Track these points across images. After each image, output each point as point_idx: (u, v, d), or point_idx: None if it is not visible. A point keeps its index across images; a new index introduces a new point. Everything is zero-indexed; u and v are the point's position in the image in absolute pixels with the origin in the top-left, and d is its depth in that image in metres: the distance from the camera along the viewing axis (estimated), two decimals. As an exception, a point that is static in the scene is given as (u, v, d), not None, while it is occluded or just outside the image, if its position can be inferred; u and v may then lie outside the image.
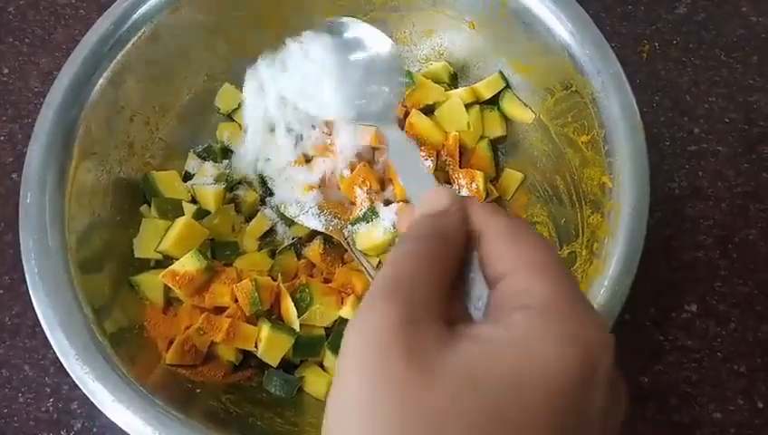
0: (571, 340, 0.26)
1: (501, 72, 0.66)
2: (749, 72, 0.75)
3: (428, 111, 0.66)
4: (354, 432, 0.25)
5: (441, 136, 0.64)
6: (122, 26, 0.61)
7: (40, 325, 0.51)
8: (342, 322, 0.60)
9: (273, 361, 0.59)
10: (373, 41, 0.51)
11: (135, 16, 0.62)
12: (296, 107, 0.60)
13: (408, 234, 0.31)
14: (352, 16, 0.69)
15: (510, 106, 0.67)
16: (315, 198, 0.65)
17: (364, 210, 0.63)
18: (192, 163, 0.68)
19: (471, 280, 0.31)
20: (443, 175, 0.65)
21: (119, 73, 0.61)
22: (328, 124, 0.67)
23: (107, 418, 0.48)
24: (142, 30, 0.62)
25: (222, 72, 0.70)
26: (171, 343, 0.58)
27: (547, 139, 0.64)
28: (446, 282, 0.29)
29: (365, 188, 0.64)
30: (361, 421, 0.24)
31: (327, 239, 0.65)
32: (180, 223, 0.61)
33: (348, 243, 0.63)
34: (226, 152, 0.69)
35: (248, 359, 0.61)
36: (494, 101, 0.67)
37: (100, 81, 0.60)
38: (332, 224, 0.64)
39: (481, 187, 0.62)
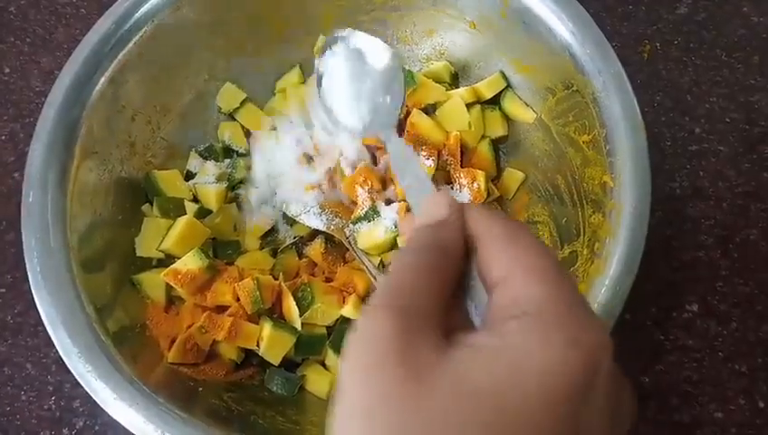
0: (572, 343, 0.26)
1: (502, 72, 0.66)
2: (750, 72, 0.76)
3: (429, 110, 0.67)
4: None
5: (442, 136, 0.65)
6: (123, 26, 0.61)
7: (42, 324, 0.51)
8: (344, 321, 0.60)
9: (275, 359, 0.59)
10: (373, 50, 0.51)
11: (136, 16, 0.62)
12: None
13: (408, 245, 0.31)
14: (353, 16, 0.70)
15: (511, 106, 0.67)
16: (317, 198, 0.65)
17: (365, 209, 0.63)
18: (194, 162, 0.68)
19: (471, 288, 0.31)
20: (444, 175, 0.65)
21: (120, 73, 0.61)
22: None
23: (109, 416, 0.49)
24: (143, 29, 0.62)
25: (223, 71, 0.70)
26: (173, 341, 0.58)
27: (548, 138, 0.64)
28: (445, 293, 0.29)
29: (366, 188, 0.64)
30: (361, 427, 0.25)
31: (328, 238, 0.65)
32: (182, 222, 0.61)
33: (349, 242, 0.63)
34: (228, 151, 0.70)
35: (250, 357, 0.61)
36: (495, 101, 0.67)
37: (102, 80, 0.60)
38: (334, 223, 0.64)
39: (482, 186, 0.62)
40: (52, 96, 0.58)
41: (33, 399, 0.64)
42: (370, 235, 0.62)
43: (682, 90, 0.75)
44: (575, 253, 0.58)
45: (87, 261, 0.55)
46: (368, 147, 0.66)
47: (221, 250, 0.64)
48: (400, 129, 0.65)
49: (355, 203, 0.65)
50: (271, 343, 0.58)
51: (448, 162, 0.65)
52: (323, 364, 0.61)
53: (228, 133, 0.70)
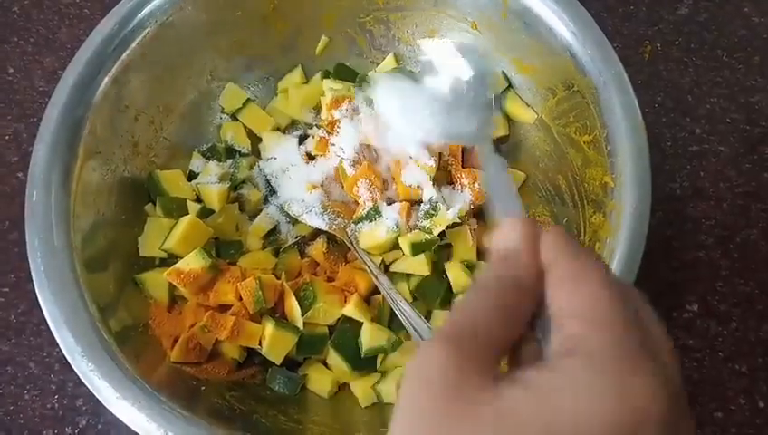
0: (618, 393, 0.25)
1: (503, 73, 0.67)
2: (751, 72, 0.76)
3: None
4: None
5: (444, 136, 0.65)
6: (127, 26, 0.61)
7: (45, 323, 0.52)
8: (345, 320, 0.61)
9: (277, 358, 0.59)
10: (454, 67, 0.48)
11: (139, 16, 0.62)
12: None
13: (481, 279, 0.31)
14: (355, 16, 0.70)
15: (512, 106, 0.67)
16: (319, 197, 0.66)
17: (367, 209, 0.63)
18: (196, 162, 0.69)
19: (541, 321, 0.30)
20: (445, 175, 0.65)
21: (123, 73, 0.61)
22: (329, 123, 0.68)
23: (112, 414, 0.49)
24: (146, 30, 0.62)
25: (226, 71, 0.70)
26: (176, 340, 0.58)
27: (549, 139, 0.64)
28: (513, 329, 0.29)
29: (368, 187, 0.64)
30: None
31: (330, 238, 0.65)
32: (185, 222, 0.61)
33: (351, 242, 0.63)
34: (230, 152, 0.70)
35: (252, 357, 0.61)
36: (496, 102, 0.68)
37: (105, 80, 0.60)
38: (336, 223, 0.64)
39: (483, 187, 0.63)
40: (56, 96, 0.58)
41: (37, 398, 0.64)
42: (372, 234, 0.62)
43: (683, 90, 0.75)
44: (576, 253, 0.58)
45: (90, 260, 0.56)
46: (369, 146, 0.66)
47: (223, 250, 0.64)
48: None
49: (357, 203, 0.65)
50: (273, 342, 0.58)
51: (449, 162, 0.65)
52: (325, 364, 0.61)
53: (231, 133, 0.70)
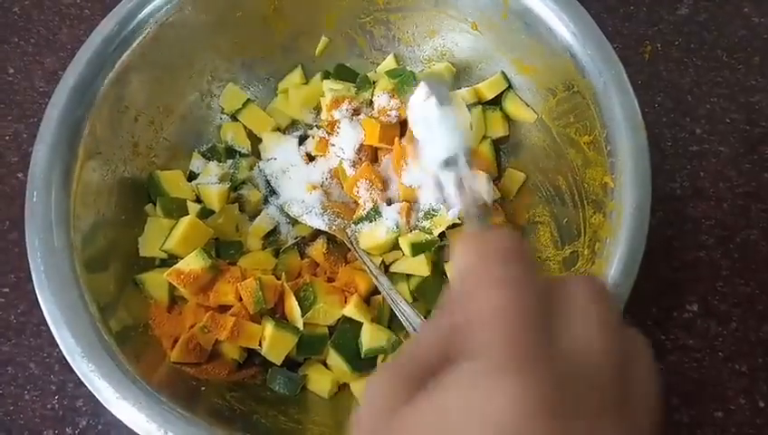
0: (502, 396, 0.27)
1: (503, 73, 0.67)
2: (751, 72, 0.76)
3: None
4: None
5: (444, 136, 0.65)
6: (127, 27, 0.62)
7: (45, 323, 0.52)
8: (345, 320, 0.61)
9: (277, 359, 0.59)
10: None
11: (139, 17, 0.62)
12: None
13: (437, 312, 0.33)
14: (355, 17, 0.70)
15: (512, 106, 0.67)
16: (319, 198, 0.66)
17: (367, 210, 0.63)
18: (196, 163, 0.69)
19: None
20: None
21: (123, 73, 0.61)
22: (329, 124, 0.68)
23: (112, 415, 0.49)
24: (147, 30, 0.62)
25: (226, 72, 0.71)
26: (176, 341, 0.58)
27: (549, 139, 0.64)
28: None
29: (368, 188, 0.64)
30: None
31: (330, 239, 0.65)
32: (185, 222, 0.61)
33: (351, 242, 0.63)
34: (230, 152, 0.70)
35: (252, 357, 0.61)
36: (496, 102, 0.68)
37: (105, 81, 0.60)
38: (336, 223, 0.64)
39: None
40: (56, 97, 0.58)
41: (37, 398, 0.64)
42: (372, 235, 0.62)
43: (683, 90, 0.75)
44: (576, 253, 0.58)
45: (90, 261, 0.56)
46: (369, 147, 0.67)
47: (223, 250, 0.64)
48: (402, 132, 0.66)
49: (357, 203, 0.65)
50: (273, 342, 0.58)
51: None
52: (325, 364, 0.61)
53: (231, 134, 0.70)
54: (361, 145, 0.66)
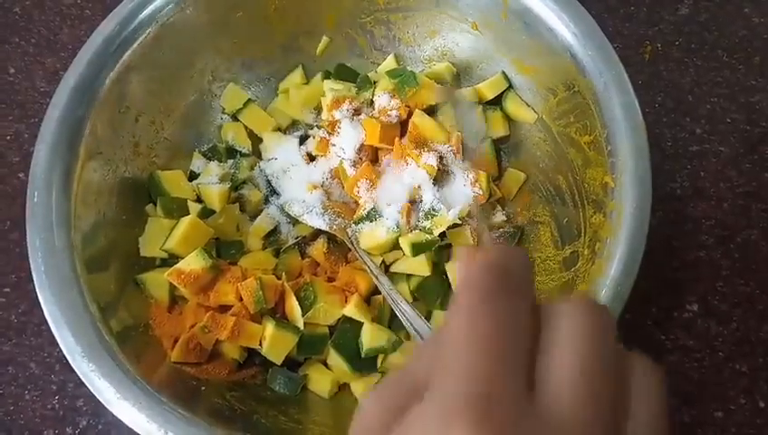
0: None
1: (504, 73, 0.67)
2: (751, 72, 0.76)
3: (432, 111, 0.67)
4: None
5: (444, 136, 0.65)
6: (128, 27, 0.62)
7: (46, 323, 0.52)
8: (346, 320, 0.61)
9: (278, 359, 0.59)
10: None
11: (140, 17, 0.62)
12: None
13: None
14: (356, 17, 0.70)
15: (513, 106, 0.67)
16: (319, 198, 0.66)
17: (368, 210, 0.63)
18: (197, 163, 0.69)
19: None
20: (447, 175, 0.65)
21: (124, 74, 0.62)
22: (330, 124, 0.68)
23: (112, 415, 0.49)
24: (148, 30, 0.62)
25: (226, 72, 0.71)
26: (176, 341, 0.58)
27: (550, 139, 0.64)
28: None
29: (369, 188, 0.64)
30: None
31: (331, 238, 0.65)
32: (185, 222, 0.61)
33: (351, 242, 0.63)
34: (231, 152, 0.70)
35: (253, 357, 0.61)
36: (496, 102, 0.68)
37: (106, 81, 0.61)
38: (336, 223, 0.64)
39: (484, 187, 0.63)
40: (57, 97, 0.58)
41: (37, 398, 0.64)
42: (372, 235, 0.62)
43: (683, 90, 0.75)
44: (576, 253, 0.58)
45: (91, 261, 0.56)
46: (369, 147, 0.67)
47: (224, 250, 0.64)
48: (403, 132, 0.66)
49: (357, 203, 0.65)
50: (273, 342, 0.58)
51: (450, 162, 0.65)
52: (325, 364, 0.61)
53: (231, 134, 0.70)
54: (362, 145, 0.66)
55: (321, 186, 0.67)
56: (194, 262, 0.58)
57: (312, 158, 0.69)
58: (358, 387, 0.60)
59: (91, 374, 0.50)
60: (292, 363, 0.61)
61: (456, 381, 0.24)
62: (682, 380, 0.63)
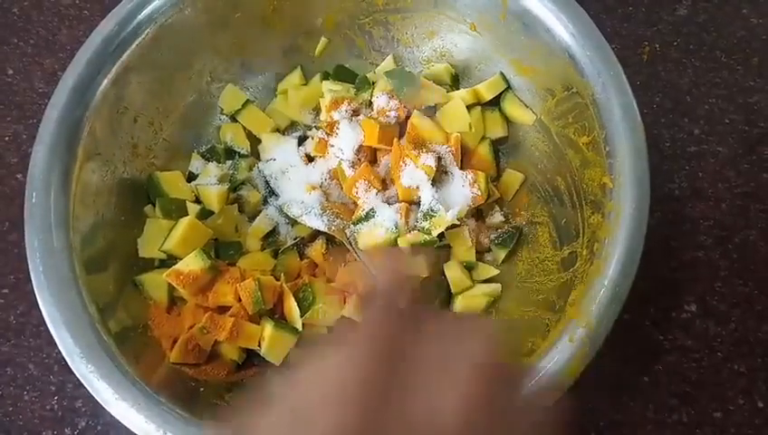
0: None
1: (502, 74, 0.67)
2: (749, 73, 0.76)
3: (430, 112, 0.67)
4: None
5: (443, 137, 0.65)
6: (126, 27, 0.62)
7: (44, 324, 0.52)
8: (345, 321, 0.61)
9: (276, 359, 0.59)
10: None
11: (139, 18, 0.62)
12: None
13: None
14: (355, 18, 0.70)
15: (511, 107, 0.67)
16: (318, 199, 0.66)
17: (366, 210, 0.63)
18: (196, 163, 0.69)
19: None
20: (445, 176, 0.65)
21: (123, 74, 0.62)
22: (329, 125, 0.68)
23: (111, 416, 0.49)
24: (146, 31, 0.62)
25: (225, 72, 0.71)
26: (175, 341, 0.58)
27: (548, 140, 0.64)
28: None
29: (367, 188, 0.64)
30: None
31: (329, 239, 0.66)
32: (184, 223, 0.61)
33: (350, 243, 0.63)
34: (230, 153, 0.70)
35: (251, 358, 0.61)
36: (495, 103, 0.68)
37: (105, 82, 0.60)
38: (335, 224, 0.64)
39: (482, 187, 0.63)
40: (56, 97, 0.58)
41: (36, 399, 0.64)
42: (371, 235, 0.62)
43: (681, 91, 0.75)
44: (574, 254, 0.58)
45: (89, 262, 0.56)
46: (368, 147, 0.67)
47: (223, 251, 0.64)
48: (401, 132, 0.66)
49: (356, 204, 0.65)
50: (272, 343, 0.58)
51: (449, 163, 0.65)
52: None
53: (230, 135, 0.70)
54: (360, 146, 0.66)
55: (320, 187, 0.67)
56: (192, 263, 0.58)
57: (310, 159, 0.69)
58: (356, 388, 0.60)
59: (89, 375, 0.50)
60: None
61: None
62: (680, 380, 0.63)
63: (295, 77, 0.72)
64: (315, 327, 0.61)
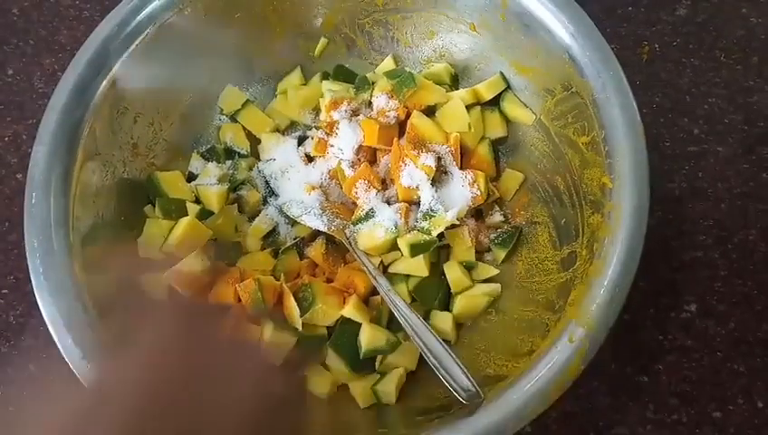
0: None
1: (502, 74, 0.67)
2: (749, 73, 0.76)
3: (430, 112, 0.67)
4: None
5: (442, 137, 0.65)
6: (126, 28, 0.62)
7: (44, 325, 0.52)
8: (344, 321, 0.61)
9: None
10: None
11: (139, 18, 0.62)
12: None
13: None
14: (355, 18, 0.70)
15: (511, 107, 0.67)
16: (317, 199, 0.66)
17: (366, 210, 0.63)
18: (195, 164, 0.69)
19: None
20: (445, 176, 0.65)
21: (123, 74, 0.62)
22: (328, 125, 0.68)
23: (111, 416, 0.49)
24: (146, 31, 0.62)
25: (225, 73, 0.71)
26: (175, 342, 0.58)
27: (548, 139, 0.64)
28: None
29: (367, 188, 0.64)
30: None
31: (329, 239, 0.65)
32: (184, 223, 0.61)
33: (350, 243, 0.63)
34: (230, 153, 0.70)
35: (251, 358, 0.61)
36: (494, 102, 0.68)
37: (104, 82, 0.61)
38: (334, 224, 0.64)
39: (482, 187, 0.63)
40: (55, 98, 0.58)
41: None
42: (370, 235, 0.62)
43: (681, 91, 0.75)
44: (574, 253, 0.58)
45: (89, 262, 0.56)
46: (368, 147, 0.67)
47: (222, 251, 0.64)
48: (401, 133, 0.66)
49: (355, 204, 0.65)
50: (272, 343, 0.58)
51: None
52: (324, 365, 0.61)
53: (230, 135, 0.70)
54: (360, 146, 0.66)
55: (320, 187, 0.67)
56: (192, 263, 0.58)
57: (310, 159, 0.69)
58: (356, 388, 0.60)
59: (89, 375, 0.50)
60: (290, 364, 0.61)
61: None
62: (680, 380, 0.63)
63: (295, 77, 0.72)
64: (315, 327, 0.61)
